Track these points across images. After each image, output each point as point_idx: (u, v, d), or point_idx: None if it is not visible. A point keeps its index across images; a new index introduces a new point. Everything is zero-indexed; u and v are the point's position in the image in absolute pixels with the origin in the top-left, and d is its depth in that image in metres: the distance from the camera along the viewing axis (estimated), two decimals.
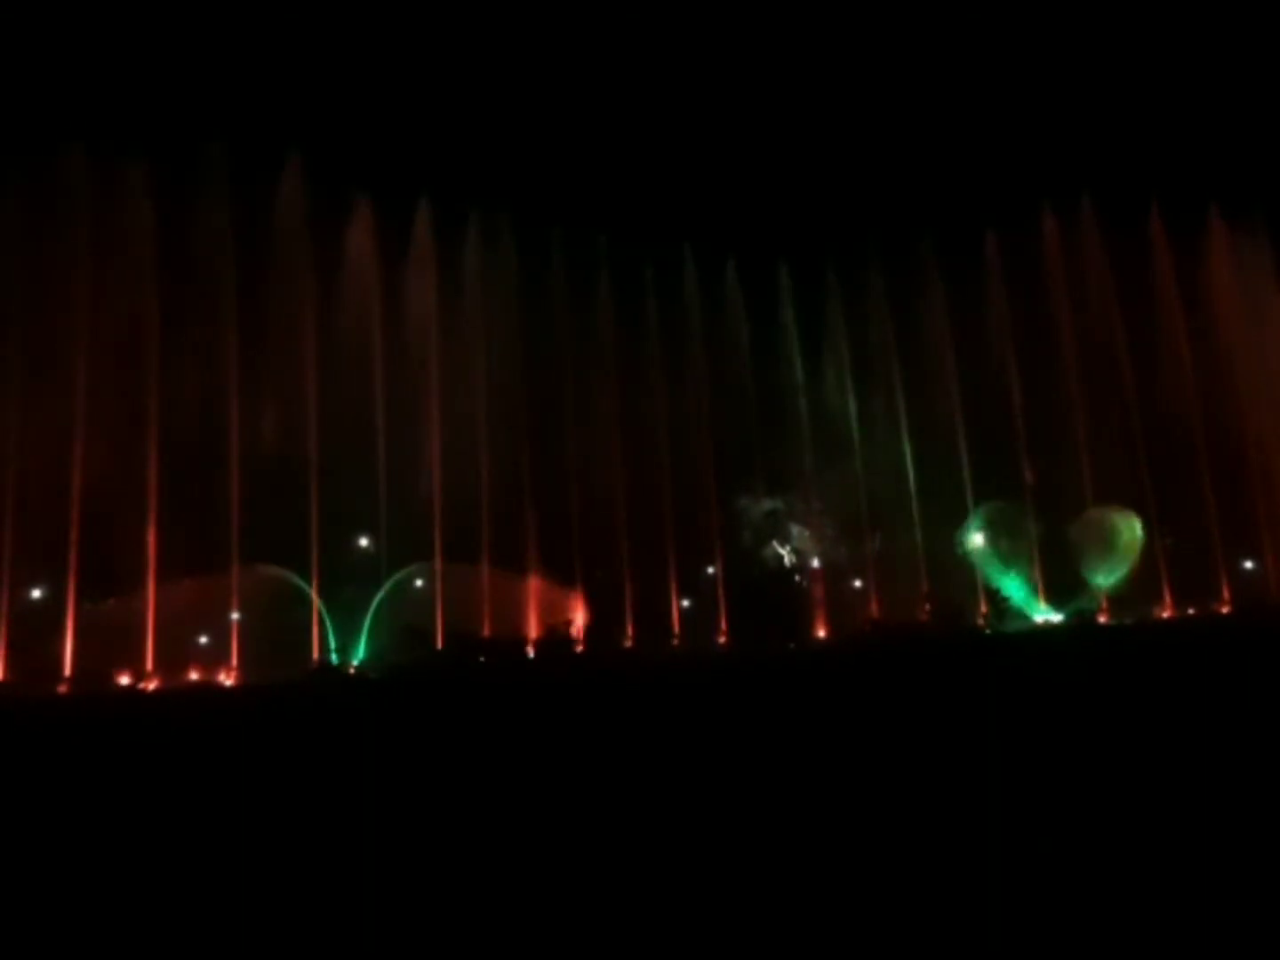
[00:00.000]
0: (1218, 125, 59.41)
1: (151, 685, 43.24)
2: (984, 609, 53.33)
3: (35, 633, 42.51)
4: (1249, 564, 55.15)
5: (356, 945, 6.40)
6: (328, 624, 48.38)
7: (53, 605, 43.72)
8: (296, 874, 8.10)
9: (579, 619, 51.63)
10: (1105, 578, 53.13)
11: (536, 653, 47.81)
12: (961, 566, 54.98)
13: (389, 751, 15.86)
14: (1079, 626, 49.97)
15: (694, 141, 62.00)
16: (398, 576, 50.05)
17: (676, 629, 53.92)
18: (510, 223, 56.20)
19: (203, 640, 46.33)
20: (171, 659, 44.55)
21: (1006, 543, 54.75)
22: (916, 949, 5.70)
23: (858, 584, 57.17)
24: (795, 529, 58.52)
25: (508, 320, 55.32)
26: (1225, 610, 52.30)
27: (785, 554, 58.55)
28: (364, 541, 52.58)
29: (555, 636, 49.06)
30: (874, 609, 54.75)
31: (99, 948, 6.74)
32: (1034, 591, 54.39)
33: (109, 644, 43.01)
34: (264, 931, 6.68)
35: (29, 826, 10.74)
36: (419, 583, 51.97)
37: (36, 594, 45.49)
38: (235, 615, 46.39)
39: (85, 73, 53.56)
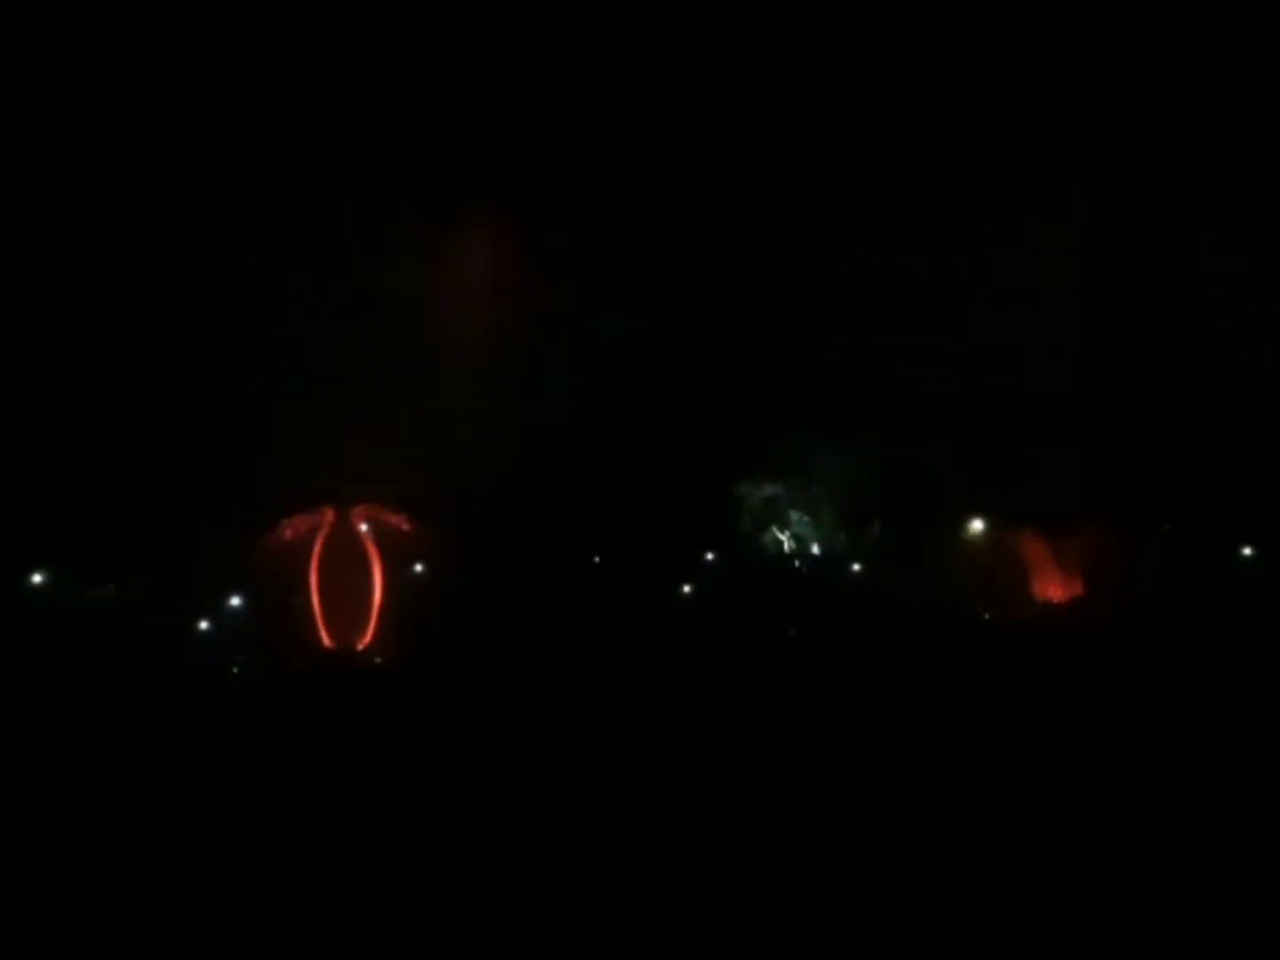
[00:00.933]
0: (1210, 103, 58.38)
1: None
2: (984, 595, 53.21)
3: None
4: (1247, 550, 55.11)
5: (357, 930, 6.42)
6: None
7: None
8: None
9: None
10: None
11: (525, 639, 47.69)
12: (962, 552, 55.05)
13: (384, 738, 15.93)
14: (1076, 611, 50.00)
15: (690, 114, 61.04)
16: None
17: (675, 615, 53.99)
18: (505, 198, 55.92)
19: None
20: None
21: None
22: (913, 934, 5.71)
23: (856, 568, 57.08)
24: (795, 515, 58.50)
25: (505, 302, 55.20)
26: (1221, 596, 52.27)
27: (785, 540, 58.55)
28: (363, 526, 52.68)
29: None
30: (870, 595, 54.86)
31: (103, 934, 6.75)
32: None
33: None
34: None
35: None
36: (417, 567, 52.14)
37: None
38: None
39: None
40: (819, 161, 60.05)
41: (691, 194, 58.84)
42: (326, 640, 47.72)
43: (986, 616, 50.54)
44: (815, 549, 57.78)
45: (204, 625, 46.96)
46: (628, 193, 56.75)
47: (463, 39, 55.46)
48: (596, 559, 55.20)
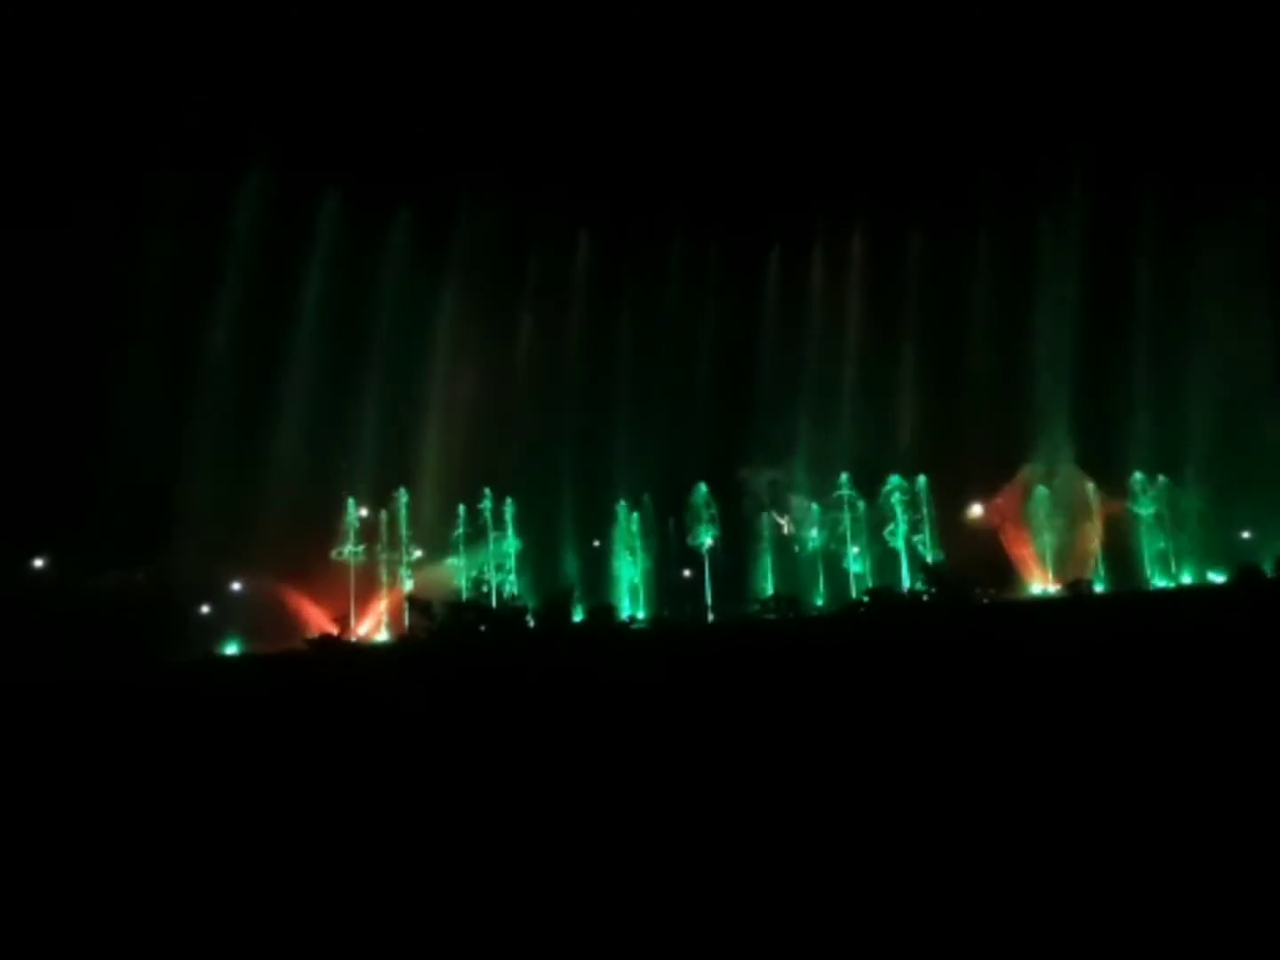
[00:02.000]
0: (1214, 104, 57.88)
1: None
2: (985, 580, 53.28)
3: None
4: (1246, 534, 55.18)
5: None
6: None
7: None
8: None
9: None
10: None
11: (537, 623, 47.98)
12: (964, 537, 55.26)
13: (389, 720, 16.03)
14: (1075, 597, 50.05)
15: (684, 115, 60.97)
16: None
17: (674, 600, 54.20)
18: (502, 197, 55.96)
19: None
20: None
21: None
22: (908, 925, 5.76)
23: (854, 551, 57.20)
24: (795, 499, 58.54)
25: (506, 296, 55.64)
26: (1220, 580, 52.44)
27: (784, 524, 58.60)
28: (362, 511, 52.98)
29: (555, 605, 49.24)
30: (871, 579, 55.11)
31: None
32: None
33: None
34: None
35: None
36: (417, 554, 52.40)
37: None
38: None
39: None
40: (806, 144, 60.06)
41: (685, 182, 58.91)
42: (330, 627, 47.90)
43: (985, 601, 50.60)
44: (815, 533, 57.82)
45: (205, 609, 47.29)
46: (620, 178, 56.74)
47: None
48: (596, 543, 55.43)
